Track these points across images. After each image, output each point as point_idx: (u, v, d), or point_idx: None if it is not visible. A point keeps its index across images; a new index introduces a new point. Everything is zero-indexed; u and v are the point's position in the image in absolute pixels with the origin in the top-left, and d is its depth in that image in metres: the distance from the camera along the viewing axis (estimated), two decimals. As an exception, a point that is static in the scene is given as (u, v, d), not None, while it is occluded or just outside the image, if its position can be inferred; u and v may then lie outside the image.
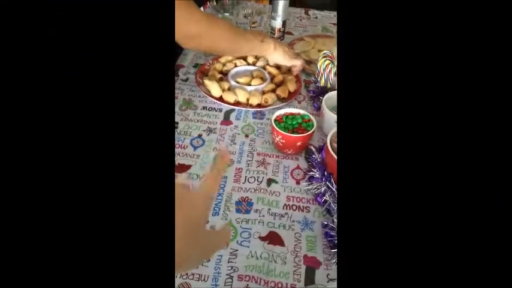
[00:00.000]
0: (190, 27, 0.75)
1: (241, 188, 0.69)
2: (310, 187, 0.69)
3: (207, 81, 0.92)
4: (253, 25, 1.29)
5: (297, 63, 0.95)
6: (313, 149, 0.74)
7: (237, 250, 0.58)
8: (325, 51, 0.89)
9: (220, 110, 0.89)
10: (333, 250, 0.58)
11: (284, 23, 1.16)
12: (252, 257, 0.58)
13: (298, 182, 0.71)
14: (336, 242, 0.57)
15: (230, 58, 1.03)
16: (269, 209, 0.66)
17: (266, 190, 0.69)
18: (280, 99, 0.91)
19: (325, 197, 0.65)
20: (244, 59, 1.03)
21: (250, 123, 0.85)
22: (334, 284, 0.51)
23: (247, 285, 0.54)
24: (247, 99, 0.89)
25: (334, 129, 0.68)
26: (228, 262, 0.57)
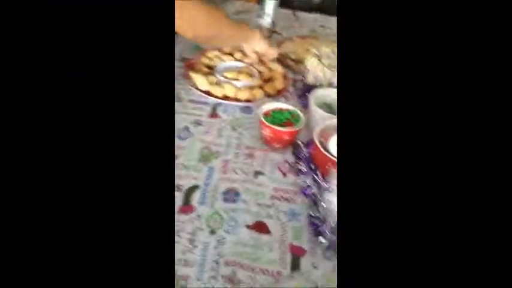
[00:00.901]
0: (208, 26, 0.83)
1: (229, 179, 0.70)
2: (296, 180, 0.70)
3: (193, 75, 0.92)
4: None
5: (271, 52, 1.00)
6: (301, 144, 0.75)
7: (224, 238, 0.59)
8: (313, 50, 0.91)
9: (207, 104, 0.89)
10: (318, 240, 0.59)
11: (273, 23, 1.18)
12: (239, 244, 0.58)
13: (285, 175, 0.72)
14: (321, 231, 0.59)
15: (217, 53, 1.04)
16: (256, 200, 0.66)
17: (253, 182, 0.70)
18: (268, 96, 0.92)
19: (311, 190, 0.66)
20: (232, 54, 1.04)
21: (238, 118, 0.86)
22: (319, 271, 0.52)
23: (234, 270, 0.54)
24: (235, 94, 0.90)
25: (322, 125, 0.70)
26: (215, 249, 0.57)
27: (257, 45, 0.98)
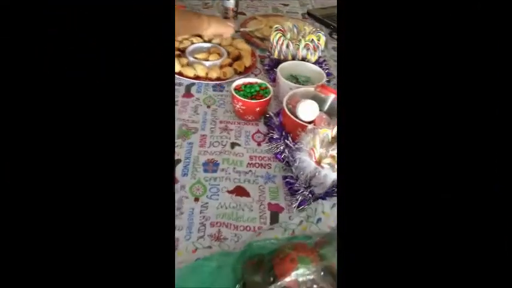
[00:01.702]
0: None
1: (207, 152, 0.74)
2: (270, 146, 0.76)
3: (166, 57, 0.95)
4: (205, 6, 1.33)
5: (228, 30, 1.05)
6: (272, 114, 0.81)
7: (207, 203, 0.64)
8: (276, 26, 0.96)
9: (181, 84, 0.92)
10: (293, 197, 0.65)
11: (237, 3, 1.21)
12: (222, 207, 0.63)
13: (259, 144, 0.78)
14: (295, 189, 0.65)
15: (186, 36, 1.07)
16: (234, 168, 0.71)
17: (230, 152, 0.75)
18: (237, 73, 0.97)
19: (284, 154, 0.72)
20: (201, 36, 1.08)
21: (211, 95, 0.90)
22: (295, 220, 0.59)
23: (219, 229, 0.60)
24: (206, 73, 0.94)
25: (290, 93, 0.76)
26: (200, 213, 0.62)
27: (209, 31, 1.02)
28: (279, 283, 0.43)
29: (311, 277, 0.43)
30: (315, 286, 0.43)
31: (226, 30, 1.04)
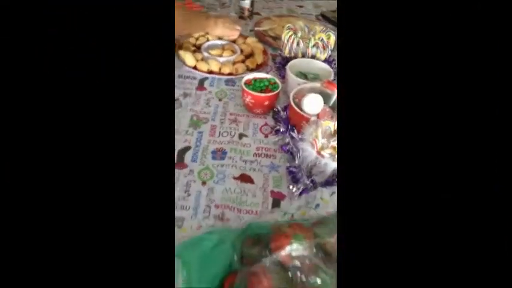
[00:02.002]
0: None
1: (216, 141, 0.78)
2: (276, 139, 0.79)
3: (182, 52, 1.00)
4: (222, 6, 1.38)
5: (233, 33, 1.09)
6: (279, 108, 0.84)
7: (213, 187, 0.68)
8: (288, 25, 0.99)
9: (195, 78, 0.97)
10: (296, 186, 0.68)
11: (252, 3, 1.26)
12: (227, 192, 0.67)
13: (266, 136, 0.81)
14: (297, 177, 0.68)
15: (203, 33, 1.12)
16: (241, 157, 0.75)
17: (238, 142, 0.79)
18: (249, 70, 1.01)
19: (289, 146, 0.75)
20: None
21: (223, 89, 0.94)
22: (294, 205, 0.62)
23: (223, 211, 0.63)
24: (220, 69, 0.98)
25: (297, 88, 0.79)
26: (207, 196, 0.66)
27: (215, 31, 1.06)
28: (273, 256, 0.46)
29: (304, 253, 0.46)
30: (307, 261, 0.46)
31: (232, 32, 1.08)
